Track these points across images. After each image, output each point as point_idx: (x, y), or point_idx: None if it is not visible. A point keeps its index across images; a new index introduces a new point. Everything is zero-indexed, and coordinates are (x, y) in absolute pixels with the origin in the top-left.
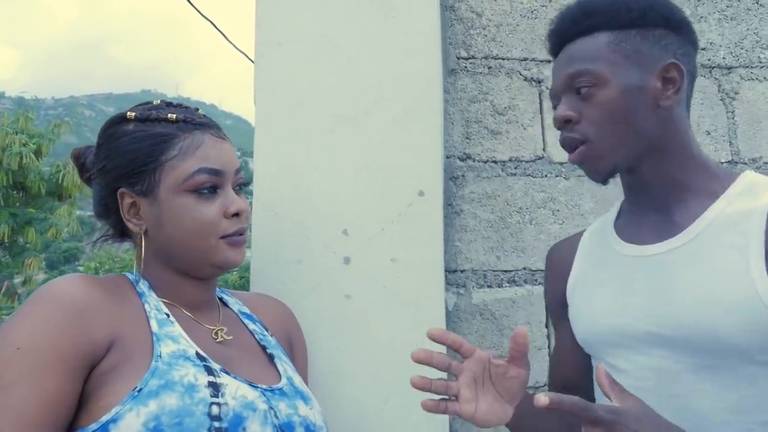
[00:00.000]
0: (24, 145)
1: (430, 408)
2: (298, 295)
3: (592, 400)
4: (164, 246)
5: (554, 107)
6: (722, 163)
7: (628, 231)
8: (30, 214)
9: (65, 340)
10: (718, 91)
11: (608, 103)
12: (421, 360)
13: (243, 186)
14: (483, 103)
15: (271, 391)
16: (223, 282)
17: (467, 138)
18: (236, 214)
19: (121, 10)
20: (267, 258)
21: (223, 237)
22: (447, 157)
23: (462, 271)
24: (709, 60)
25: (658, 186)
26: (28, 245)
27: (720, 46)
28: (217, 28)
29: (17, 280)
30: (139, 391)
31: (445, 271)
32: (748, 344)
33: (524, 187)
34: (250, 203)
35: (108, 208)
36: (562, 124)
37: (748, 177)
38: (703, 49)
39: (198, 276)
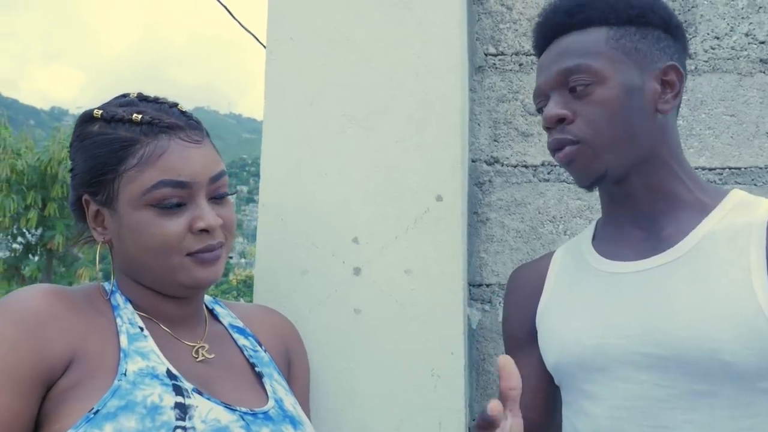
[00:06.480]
0: None
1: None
2: (303, 308)
3: None
4: (128, 261)
5: (538, 108)
6: None
7: (608, 248)
8: None
9: (17, 356)
10: None
11: (607, 102)
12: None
13: (225, 196)
14: (513, 102)
15: (253, 414)
16: (247, 288)
17: (495, 140)
18: (205, 230)
19: (180, 33)
20: (271, 268)
21: (189, 254)
22: (472, 161)
23: (488, 285)
24: None
25: (647, 199)
26: (81, 255)
27: None
28: (261, 44)
29: None
30: (96, 413)
31: (469, 285)
32: (749, 366)
33: (558, 194)
34: (256, 208)
35: (79, 213)
36: (554, 123)
37: (739, 194)
38: (762, 42)
39: (169, 294)
